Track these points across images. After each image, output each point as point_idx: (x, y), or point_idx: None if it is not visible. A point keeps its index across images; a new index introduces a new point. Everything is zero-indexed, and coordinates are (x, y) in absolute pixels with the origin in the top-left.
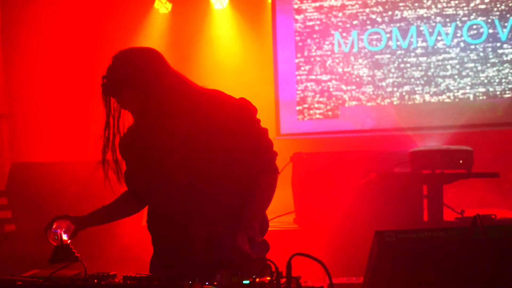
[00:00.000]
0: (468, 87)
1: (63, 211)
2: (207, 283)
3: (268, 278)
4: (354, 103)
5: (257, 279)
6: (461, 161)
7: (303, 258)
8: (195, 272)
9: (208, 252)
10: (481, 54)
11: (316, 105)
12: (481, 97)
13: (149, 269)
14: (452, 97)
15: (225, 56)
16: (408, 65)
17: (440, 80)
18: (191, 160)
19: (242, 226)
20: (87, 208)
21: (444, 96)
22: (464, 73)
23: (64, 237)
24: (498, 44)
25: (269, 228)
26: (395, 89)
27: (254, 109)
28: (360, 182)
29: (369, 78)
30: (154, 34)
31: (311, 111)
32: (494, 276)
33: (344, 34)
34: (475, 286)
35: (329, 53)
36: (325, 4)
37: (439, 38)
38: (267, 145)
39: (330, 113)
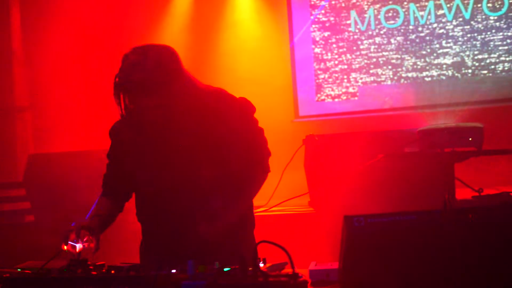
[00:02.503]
0: (485, 62)
1: (81, 201)
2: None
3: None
4: (371, 82)
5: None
6: (470, 139)
7: (310, 244)
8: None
9: (193, 244)
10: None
11: (334, 86)
12: (498, 72)
13: (139, 256)
14: (470, 73)
15: (243, 40)
16: (426, 41)
17: (455, 55)
18: (183, 157)
19: (214, 223)
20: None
21: (461, 72)
22: (484, 48)
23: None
24: None
25: (285, 212)
26: (413, 66)
27: (253, 108)
28: (368, 163)
29: (387, 56)
30: (175, 18)
31: (329, 92)
32: (464, 258)
33: (360, 12)
34: (445, 270)
35: (346, 32)
36: None
37: (458, 13)
38: (261, 144)
39: (348, 93)
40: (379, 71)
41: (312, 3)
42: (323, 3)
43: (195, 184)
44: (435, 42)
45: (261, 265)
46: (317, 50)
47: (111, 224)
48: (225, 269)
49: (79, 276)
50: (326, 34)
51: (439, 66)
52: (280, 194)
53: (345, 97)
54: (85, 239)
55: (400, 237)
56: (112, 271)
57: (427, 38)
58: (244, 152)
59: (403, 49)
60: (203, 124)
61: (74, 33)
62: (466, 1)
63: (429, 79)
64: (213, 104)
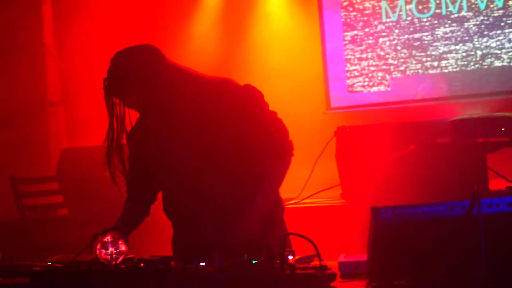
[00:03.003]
0: None
1: (113, 195)
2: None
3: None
4: (403, 72)
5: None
6: (503, 129)
7: (342, 236)
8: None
9: (220, 236)
10: None
11: (365, 77)
12: None
13: (172, 250)
14: (503, 62)
15: (275, 32)
16: (458, 30)
17: (490, 44)
18: (202, 147)
19: (246, 216)
20: None
21: (493, 62)
22: None
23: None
24: None
25: (316, 204)
26: (444, 56)
27: (260, 93)
28: (400, 154)
29: (419, 46)
30: (207, 12)
31: (360, 83)
32: (492, 250)
33: (391, 3)
34: (474, 261)
35: (377, 21)
36: None
37: (490, 2)
38: (278, 126)
39: (380, 84)
40: (411, 61)
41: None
42: None
43: (218, 177)
44: (467, 31)
45: (290, 257)
46: (348, 40)
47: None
48: (254, 262)
49: (108, 269)
50: (357, 24)
51: (471, 56)
52: (311, 186)
53: (376, 88)
54: (115, 244)
55: (428, 228)
56: (141, 264)
57: (459, 27)
58: (262, 139)
59: (435, 39)
60: (214, 114)
61: (105, 26)
62: None
63: (461, 68)
64: (220, 93)
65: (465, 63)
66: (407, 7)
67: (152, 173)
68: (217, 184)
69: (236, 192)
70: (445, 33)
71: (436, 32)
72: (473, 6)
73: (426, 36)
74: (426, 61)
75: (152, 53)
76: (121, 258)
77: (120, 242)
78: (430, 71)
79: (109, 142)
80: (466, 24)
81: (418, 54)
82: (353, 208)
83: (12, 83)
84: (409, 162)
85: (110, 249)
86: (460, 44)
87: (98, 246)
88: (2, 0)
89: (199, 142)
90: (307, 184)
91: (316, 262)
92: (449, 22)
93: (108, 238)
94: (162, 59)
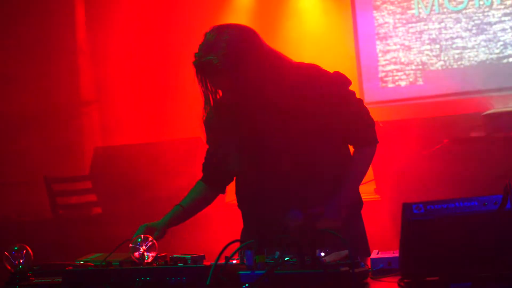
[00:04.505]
0: None
1: (147, 194)
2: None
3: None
4: (436, 66)
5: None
6: None
7: (376, 231)
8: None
9: (299, 232)
10: None
11: (399, 71)
12: None
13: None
14: None
15: (307, 28)
16: (492, 23)
17: None
18: (286, 138)
19: (333, 205)
20: (170, 187)
21: None
22: None
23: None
24: None
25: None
26: (478, 50)
27: (349, 81)
28: (434, 148)
29: (451, 40)
30: (239, 7)
31: (394, 78)
32: None
33: None
34: (506, 257)
35: (409, 16)
36: None
37: None
38: (364, 114)
39: (413, 79)
40: (444, 55)
41: None
42: None
43: (301, 166)
44: (500, 24)
45: (322, 254)
46: (381, 35)
47: (194, 214)
48: (286, 258)
49: (139, 268)
50: (389, 19)
51: (504, 49)
52: None
53: (409, 83)
54: (147, 245)
55: (460, 224)
56: (178, 262)
57: (492, 20)
58: (348, 126)
59: (468, 32)
60: (302, 103)
61: (138, 27)
62: None
63: (494, 62)
64: (308, 80)
65: (498, 56)
66: (440, 1)
67: (228, 157)
68: (301, 172)
69: (321, 181)
70: (478, 26)
71: (469, 26)
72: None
73: (459, 29)
74: (459, 55)
75: (251, 36)
76: (151, 257)
77: (150, 241)
78: (463, 65)
79: (206, 114)
80: (499, 17)
81: (450, 48)
82: (387, 203)
83: (46, 83)
84: (443, 156)
85: (142, 248)
86: (494, 38)
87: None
88: (36, 1)
89: (286, 128)
90: None
91: (347, 259)
92: (482, 15)
93: (140, 237)
94: (259, 43)
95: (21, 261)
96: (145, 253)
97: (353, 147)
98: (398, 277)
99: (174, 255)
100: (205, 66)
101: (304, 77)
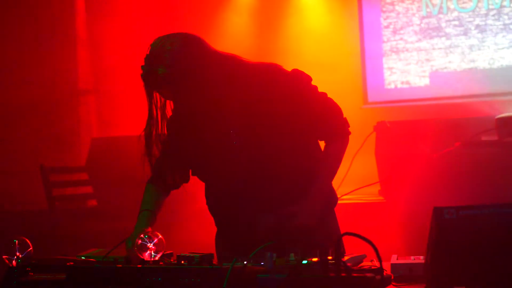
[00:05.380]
0: None
1: (142, 186)
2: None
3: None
4: (443, 67)
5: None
6: None
7: (380, 234)
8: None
9: (273, 234)
10: None
11: (404, 72)
12: None
13: (214, 248)
14: None
15: (312, 25)
16: (500, 26)
17: None
18: (250, 139)
19: (306, 203)
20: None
21: None
22: None
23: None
24: None
25: (354, 201)
26: (486, 52)
27: (309, 77)
28: (444, 151)
29: (460, 42)
30: (240, 4)
31: (399, 78)
32: None
33: None
34: None
35: (417, 16)
36: None
37: None
38: (331, 108)
39: (419, 79)
40: (451, 56)
41: None
42: None
43: (270, 165)
44: (511, 27)
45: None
46: (387, 35)
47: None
48: (304, 262)
49: (146, 266)
50: (396, 19)
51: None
52: (349, 182)
53: (415, 83)
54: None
55: (494, 231)
56: (182, 261)
57: (502, 23)
58: (315, 121)
59: (477, 34)
60: (261, 102)
61: (137, 17)
62: None
63: (504, 64)
64: (267, 79)
65: (508, 59)
66: (448, 2)
67: (189, 161)
68: (270, 172)
69: (291, 179)
70: (487, 28)
71: (478, 27)
72: None
73: (467, 31)
74: (467, 57)
75: (198, 44)
76: (159, 255)
77: (157, 238)
78: (470, 67)
79: (148, 132)
80: (510, 19)
81: (458, 49)
82: (392, 206)
83: (44, 71)
84: (452, 160)
85: (149, 245)
86: (504, 41)
87: (138, 243)
88: None
89: (249, 129)
90: (344, 179)
91: (366, 263)
92: (493, 17)
93: (145, 235)
94: (207, 49)
95: (20, 255)
96: (152, 252)
97: (324, 142)
98: (422, 284)
99: (182, 254)
100: (149, 77)
101: (262, 76)
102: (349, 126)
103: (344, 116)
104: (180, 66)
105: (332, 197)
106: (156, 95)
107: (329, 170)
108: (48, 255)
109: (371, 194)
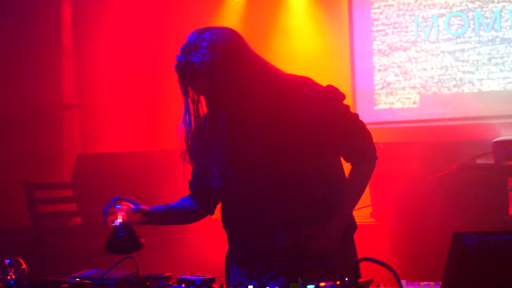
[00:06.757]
0: None
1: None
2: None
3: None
4: (432, 90)
5: (321, 284)
6: None
7: (370, 253)
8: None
9: (289, 254)
10: None
11: (394, 94)
12: None
13: (224, 266)
14: None
15: (300, 45)
16: (492, 50)
17: None
18: (276, 153)
19: (329, 225)
20: (154, 200)
21: None
22: None
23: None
24: None
25: None
26: (477, 75)
27: (343, 95)
28: (439, 174)
29: (450, 64)
30: (227, 21)
31: (389, 100)
32: None
33: (423, 20)
34: None
35: (407, 39)
36: None
37: None
38: (360, 130)
39: (408, 101)
40: (441, 78)
41: (373, 12)
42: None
43: (291, 184)
44: (501, 50)
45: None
46: (376, 57)
47: (176, 222)
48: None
49: None
50: (387, 40)
51: (505, 75)
52: None
53: (405, 105)
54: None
55: None
56: (183, 284)
57: (493, 46)
58: (343, 142)
59: (468, 57)
60: (290, 115)
61: (124, 31)
62: None
63: (494, 88)
64: (298, 93)
65: (498, 82)
66: (440, 24)
67: (213, 172)
68: (293, 190)
69: (311, 200)
70: (479, 51)
71: (470, 51)
72: (508, 24)
73: (459, 54)
74: (457, 79)
75: (237, 39)
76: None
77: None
78: (461, 90)
79: (187, 127)
80: (501, 43)
81: (448, 72)
82: (384, 228)
83: (28, 84)
84: (448, 182)
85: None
86: (495, 64)
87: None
88: (22, 1)
89: (276, 143)
90: None
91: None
92: (482, 40)
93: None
94: (246, 47)
95: (13, 276)
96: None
97: (351, 165)
98: None
99: (182, 276)
100: (184, 67)
101: (294, 89)
102: (376, 153)
103: (373, 142)
104: (217, 56)
105: (352, 222)
106: (189, 89)
107: (355, 193)
108: (34, 274)
109: (362, 216)
